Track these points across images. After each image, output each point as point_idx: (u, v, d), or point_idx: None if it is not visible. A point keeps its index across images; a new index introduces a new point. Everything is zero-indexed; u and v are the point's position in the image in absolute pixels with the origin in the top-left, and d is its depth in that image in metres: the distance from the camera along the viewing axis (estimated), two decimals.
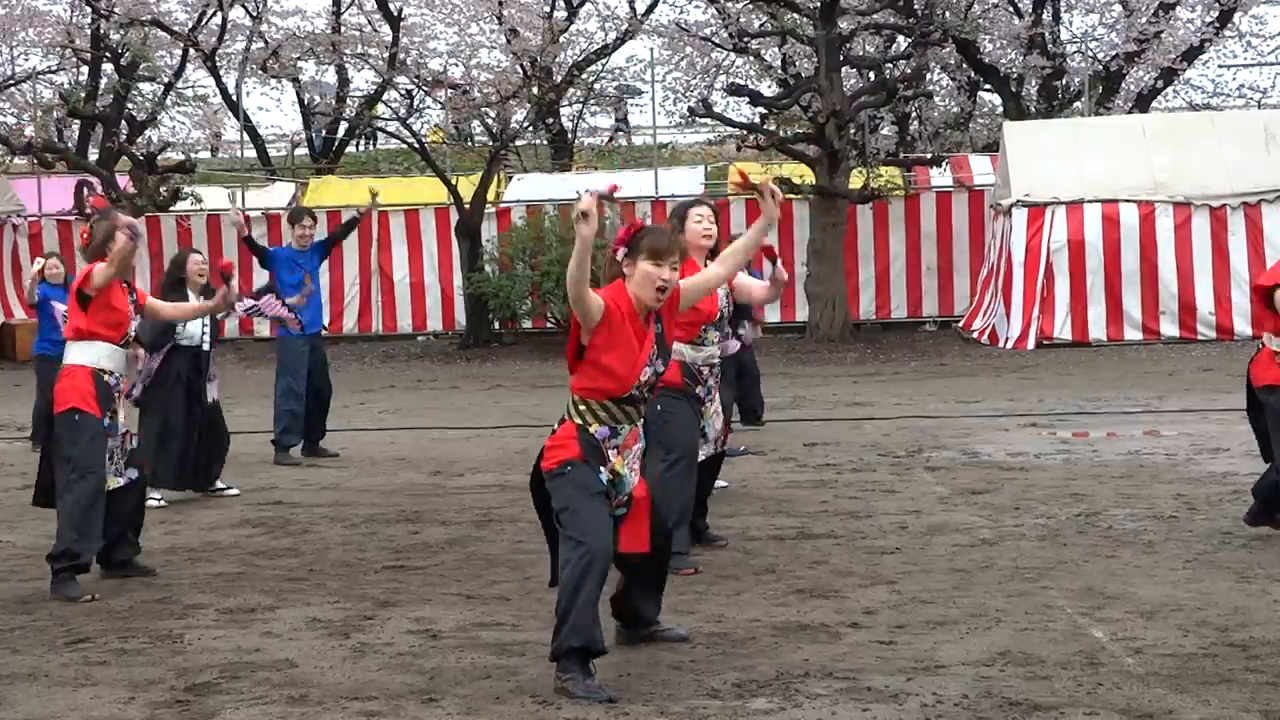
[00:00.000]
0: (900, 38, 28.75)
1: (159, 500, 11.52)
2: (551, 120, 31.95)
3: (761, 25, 27.87)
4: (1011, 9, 30.42)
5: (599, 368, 6.58)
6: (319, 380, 14.06)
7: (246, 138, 34.65)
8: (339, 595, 8.38)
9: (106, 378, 8.83)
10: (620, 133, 38.61)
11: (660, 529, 6.91)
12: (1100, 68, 30.14)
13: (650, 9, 32.10)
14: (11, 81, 30.77)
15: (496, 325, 26.43)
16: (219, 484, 12.05)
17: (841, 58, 25.74)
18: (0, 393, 21.16)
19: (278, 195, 30.49)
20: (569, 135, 34.82)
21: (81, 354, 8.80)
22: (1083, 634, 7.16)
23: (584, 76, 31.39)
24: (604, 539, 6.49)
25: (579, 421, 6.60)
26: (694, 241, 8.79)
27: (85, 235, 9.09)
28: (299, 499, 11.83)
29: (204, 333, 11.86)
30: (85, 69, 29.26)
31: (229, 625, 7.75)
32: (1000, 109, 31.51)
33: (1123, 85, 30.43)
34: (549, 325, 26.29)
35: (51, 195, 27.91)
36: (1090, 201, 23.31)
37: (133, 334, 9.02)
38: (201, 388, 11.91)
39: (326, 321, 14.31)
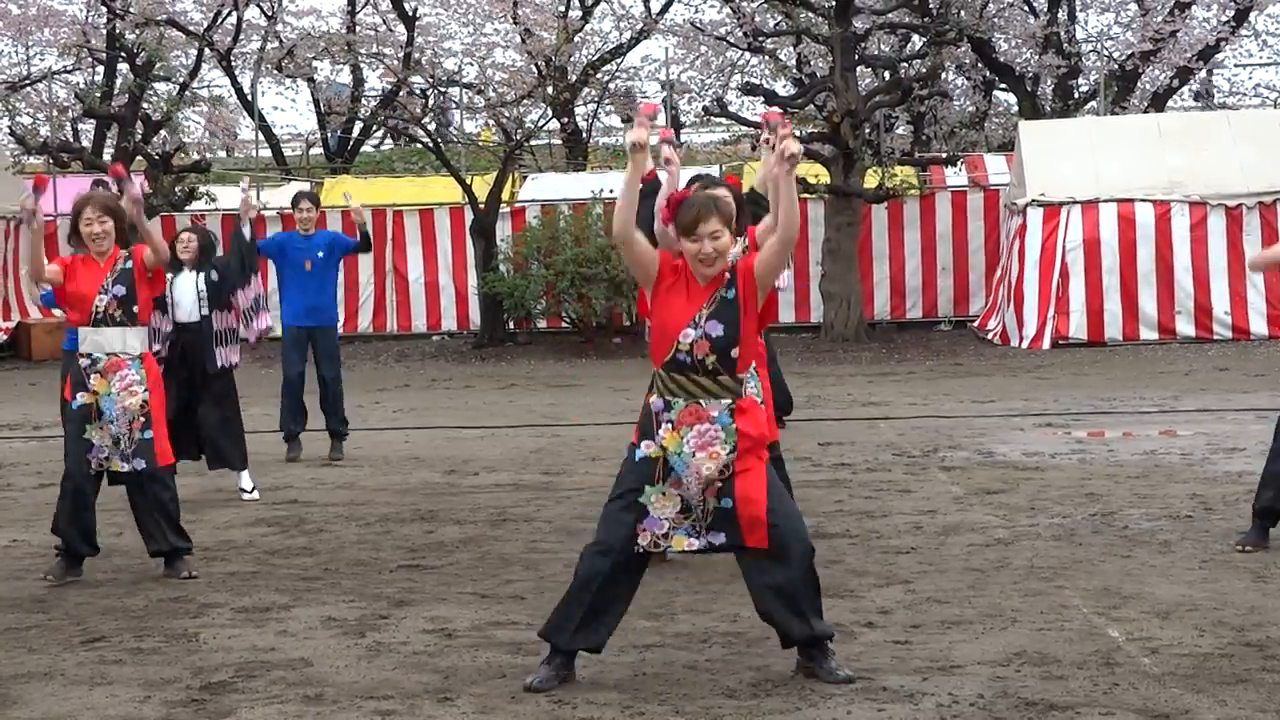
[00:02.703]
0: (915, 37, 28.68)
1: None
2: (566, 120, 31.93)
3: (776, 25, 27.84)
4: (1027, 8, 30.36)
5: (652, 328, 6.54)
6: (324, 368, 14.03)
7: (261, 137, 34.68)
8: (354, 594, 8.39)
9: (81, 360, 8.91)
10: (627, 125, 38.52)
11: (788, 529, 6.51)
12: (1116, 67, 30.08)
13: (665, 8, 32.08)
14: (27, 81, 30.79)
15: (511, 325, 26.43)
16: (242, 484, 11.97)
17: (856, 57, 25.71)
18: (16, 392, 21.20)
19: (292, 195, 30.48)
20: (583, 135, 34.81)
21: (70, 341, 9.02)
22: (1099, 634, 7.15)
23: (599, 76, 31.37)
24: (613, 539, 6.46)
25: (649, 391, 6.57)
26: None
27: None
28: (314, 498, 11.84)
29: (200, 302, 11.81)
30: (101, 69, 29.27)
31: (244, 624, 7.76)
32: (1015, 108, 31.44)
33: (1139, 84, 30.36)
34: (564, 325, 26.29)
35: (67, 195, 27.86)
36: (1106, 201, 23.26)
37: (102, 307, 8.84)
38: (200, 359, 11.76)
39: (340, 319, 14.17)
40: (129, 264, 8.93)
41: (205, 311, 11.79)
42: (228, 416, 11.91)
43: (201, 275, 11.79)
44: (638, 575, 6.63)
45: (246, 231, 12.34)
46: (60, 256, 9.02)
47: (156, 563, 9.12)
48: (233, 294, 12.01)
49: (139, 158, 27.57)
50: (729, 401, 6.47)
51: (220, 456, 11.92)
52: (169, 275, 11.64)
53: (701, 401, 6.45)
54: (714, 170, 29.53)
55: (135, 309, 8.92)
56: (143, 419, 8.91)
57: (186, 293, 11.78)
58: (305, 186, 30.50)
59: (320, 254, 13.93)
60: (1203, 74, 31.59)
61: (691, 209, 6.46)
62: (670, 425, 6.47)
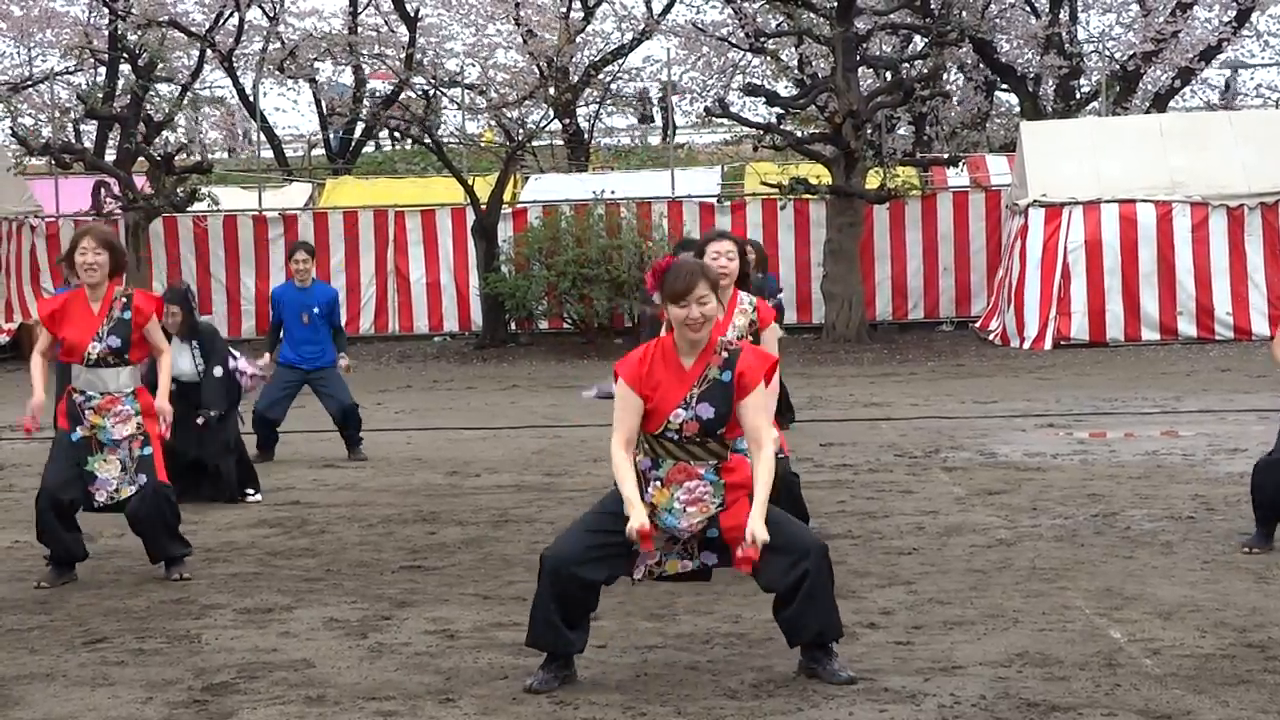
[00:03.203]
0: (917, 37, 28.71)
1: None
2: (568, 120, 31.94)
3: (778, 25, 27.85)
4: (1028, 9, 30.36)
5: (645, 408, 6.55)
6: (340, 398, 14.01)
7: (263, 138, 34.68)
8: (356, 595, 8.39)
9: (76, 396, 9.01)
10: (646, 126, 38.52)
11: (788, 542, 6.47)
12: (1117, 67, 30.07)
13: (667, 9, 32.11)
14: (29, 82, 30.81)
15: (513, 326, 26.43)
16: (247, 491, 12.00)
17: (858, 57, 25.71)
18: (18, 393, 21.16)
19: (294, 195, 30.52)
20: (585, 135, 34.82)
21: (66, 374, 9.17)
22: (1100, 635, 7.15)
23: (600, 77, 31.39)
24: (566, 551, 6.47)
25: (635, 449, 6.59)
26: None
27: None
28: (316, 499, 11.85)
29: (197, 366, 11.84)
30: (103, 70, 29.30)
31: (246, 625, 7.76)
32: (1017, 109, 31.44)
33: (1140, 85, 30.36)
34: (566, 326, 26.28)
35: (69, 196, 27.95)
36: (1107, 202, 23.26)
37: (94, 354, 8.88)
38: (191, 413, 11.68)
39: (338, 361, 14.12)
40: (127, 314, 8.95)
41: (203, 367, 11.83)
42: (228, 462, 11.96)
43: (196, 343, 11.80)
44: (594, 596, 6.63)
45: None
46: (44, 298, 9.05)
47: (155, 566, 9.12)
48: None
49: (141, 158, 27.60)
50: (716, 462, 6.55)
51: (220, 494, 11.94)
52: None
53: (691, 462, 6.53)
54: (716, 172, 29.58)
55: (128, 355, 9.01)
56: (141, 437, 8.99)
57: (183, 359, 11.71)
58: (307, 188, 30.55)
59: (316, 310, 13.93)
60: (1225, 74, 31.61)
61: (680, 278, 6.46)
62: (659, 483, 6.53)
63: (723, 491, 6.51)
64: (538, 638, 6.54)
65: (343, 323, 14.52)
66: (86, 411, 8.94)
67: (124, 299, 8.96)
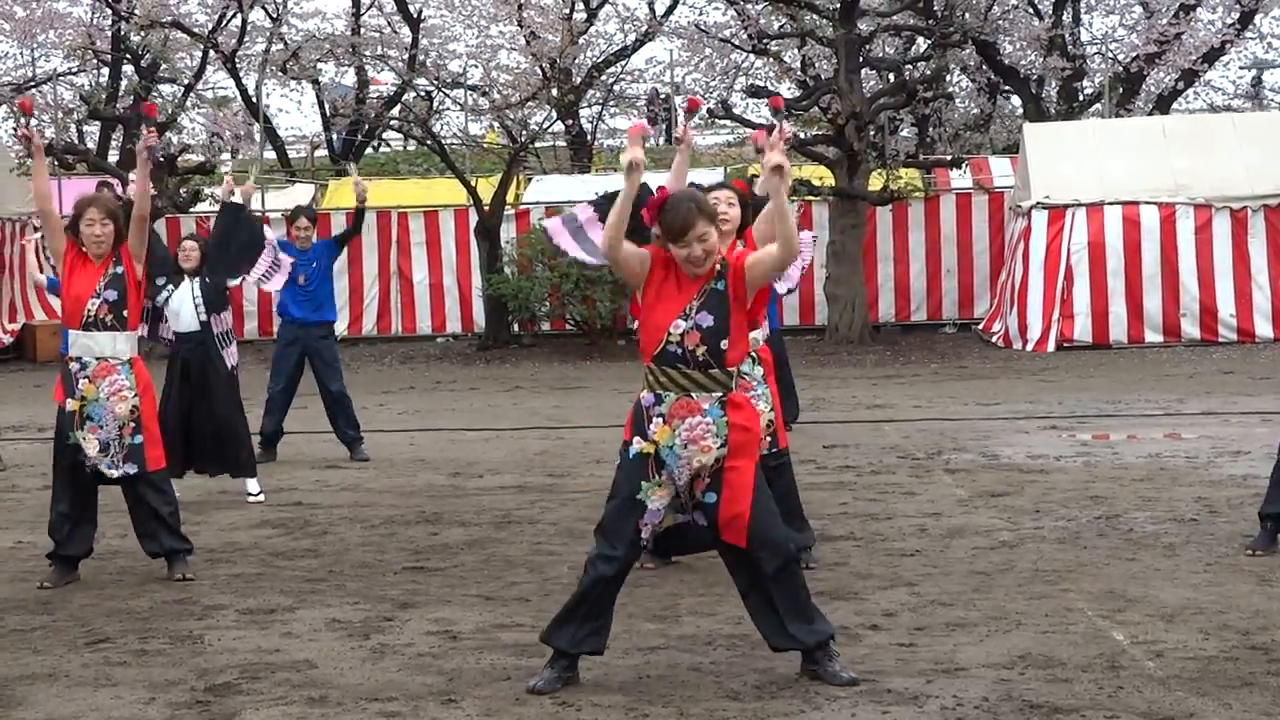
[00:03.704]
0: (920, 39, 28.70)
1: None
2: (571, 122, 31.93)
3: (781, 27, 27.83)
4: (1031, 10, 30.35)
5: (642, 323, 6.56)
6: (328, 379, 14.00)
7: (266, 139, 34.69)
8: (359, 596, 8.39)
9: (71, 364, 8.97)
10: (656, 128, 38.46)
11: (765, 533, 6.50)
12: (1120, 69, 30.06)
13: (669, 11, 32.08)
14: (33, 83, 30.83)
15: (515, 327, 26.43)
16: (249, 488, 11.96)
17: (861, 59, 25.70)
18: (21, 393, 21.22)
19: (298, 196, 30.53)
20: (588, 137, 34.82)
21: (66, 345, 9.11)
22: (1103, 637, 7.14)
23: (603, 78, 31.38)
24: (621, 545, 6.48)
25: (641, 387, 6.57)
26: None
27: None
28: (318, 500, 11.85)
29: (197, 309, 11.82)
30: (106, 71, 29.33)
31: (249, 626, 7.76)
32: (1020, 111, 31.43)
33: (1143, 87, 30.35)
34: (568, 327, 26.29)
35: (72, 197, 27.85)
36: (1111, 203, 23.25)
37: (93, 311, 8.87)
38: (203, 369, 11.78)
39: (341, 323, 14.13)
40: (120, 268, 8.95)
41: (204, 317, 11.79)
42: (234, 422, 11.90)
43: (196, 281, 11.79)
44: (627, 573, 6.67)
45: (237, 198, 12.09)
46: (70, 240, 9.00)
47: (161, 564, 9.12)
48: (229, 284, 11.99)
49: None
50: (720, 395, 6.47)
51: (227, 462, 11.92)
52: (170, 287, 11.74)
53: (692, 394, 6.45)
54: (719, 173, 29.55)
55: (125, 314, 8.93)
56: (132, 424, 8.92)
57: (184, 302, 11.79)
58: (310, 188, 30.57)
59: (314, 265, 13.90)
60: (1245, 75, 31.61)
61: (678, 215, 6.38)
62: (661, 419, 6.47)
63: (726, 430, 6.45)
64: (550, 635, 6.57)
65: (339, 239, 14.46)
66: (81, 380, 8.89)
67: (116, 256, 8.97)
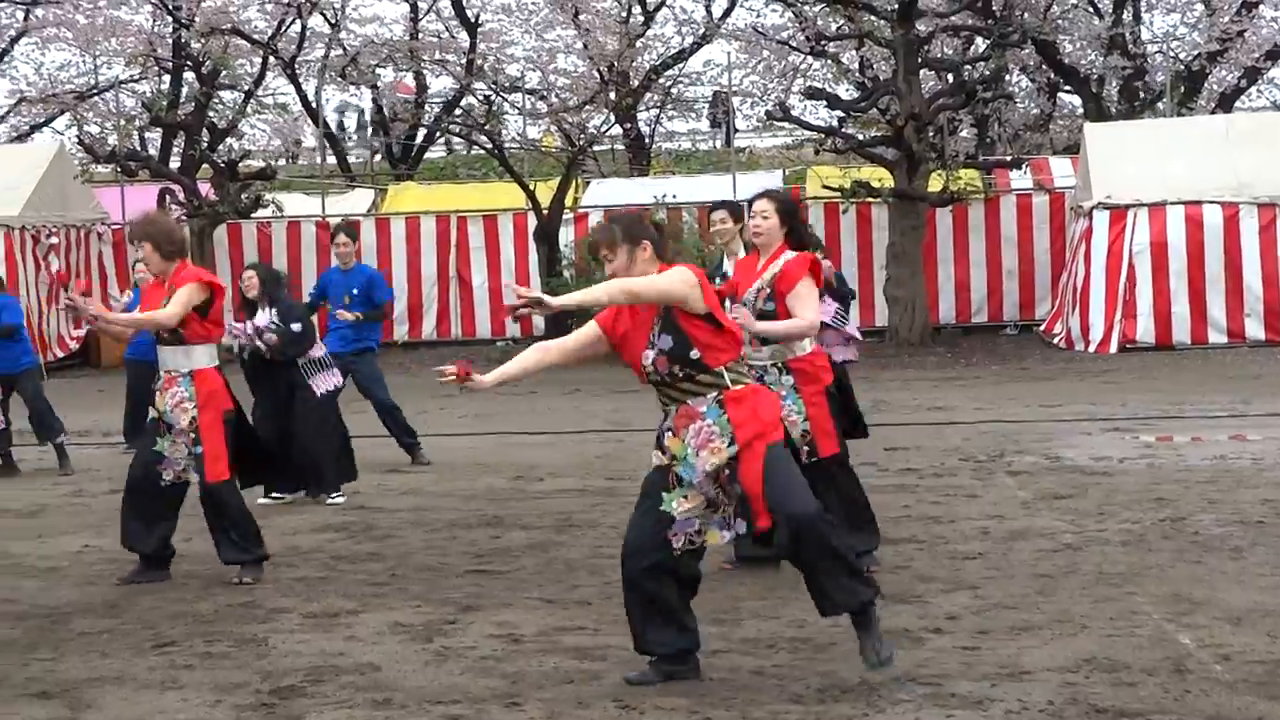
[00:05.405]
0: (979, 39, 28.58)
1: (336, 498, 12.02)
2: (629, 125, 31.96)
3: (839, 28, 27.78)
4: (1091, 9, 30.20)
5: (626, 360, 6.84)
6: (374, 393, 14.01)
7: (326, 144, 34.89)
8: (421, 599, 8.42)
9: (158, 380, 9.27)
10: (715, 131, 38.46)
11: (782, 506, 6.48)
12: (1182, 68, 29.86)
13: (727, 13, 32.07)
14: (95, 91, 31.10)
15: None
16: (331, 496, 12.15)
17: (920, 60, 25.63)
18: (86, 399, 21.38)
19: (357, 201, 30.68)
20: (646, 140, 34.84)
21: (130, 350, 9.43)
22: (1169, 640, 7.09)
23: (661, 81, 31.40)
24: (636, 542, 6.60)
25: None
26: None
27: None
28: (381, 504, 11.90)
29: (249, 340, 12.02)
30: (167, 78, 29.52)
31: (313, 629, 7.80)
32: (1080, 110, 31.28)
33: (1205, 85, 30.14)
34: None
35: (135, 203, 28.11)
36: (1173, 203, 23.08)
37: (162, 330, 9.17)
38: (291, 389, 12.06)
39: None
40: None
41: (261, 348, 12.02)
42: (324, 440, 12.12)
43: (275, 311, 11.98)
44: (685, 572, 6.65)
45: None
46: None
47: (226, 569, 9.20)
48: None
49: (205, 165, 27.80)
50: (715, 394, 6.57)
51: (316, 480, 12.11)
52: (248, 318, 12.00)
53: (689, 401, 6.60)
54: (777, 176, 29.54)
55: (180, 330, 9.09)
56: (192, 435, 9.07)
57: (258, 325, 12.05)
58: (369, 194, 30.71)
59: (355, 291, 13.87)
60: None
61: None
62: (671, 433, 6.64)
63: (729, 427, 6.51)
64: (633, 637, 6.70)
65: (384, 300, 14.35)
66: (156, 393, 9.20)
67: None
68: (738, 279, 8.71)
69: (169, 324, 8.98)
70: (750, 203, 8.83)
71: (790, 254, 8.53)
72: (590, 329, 6.88)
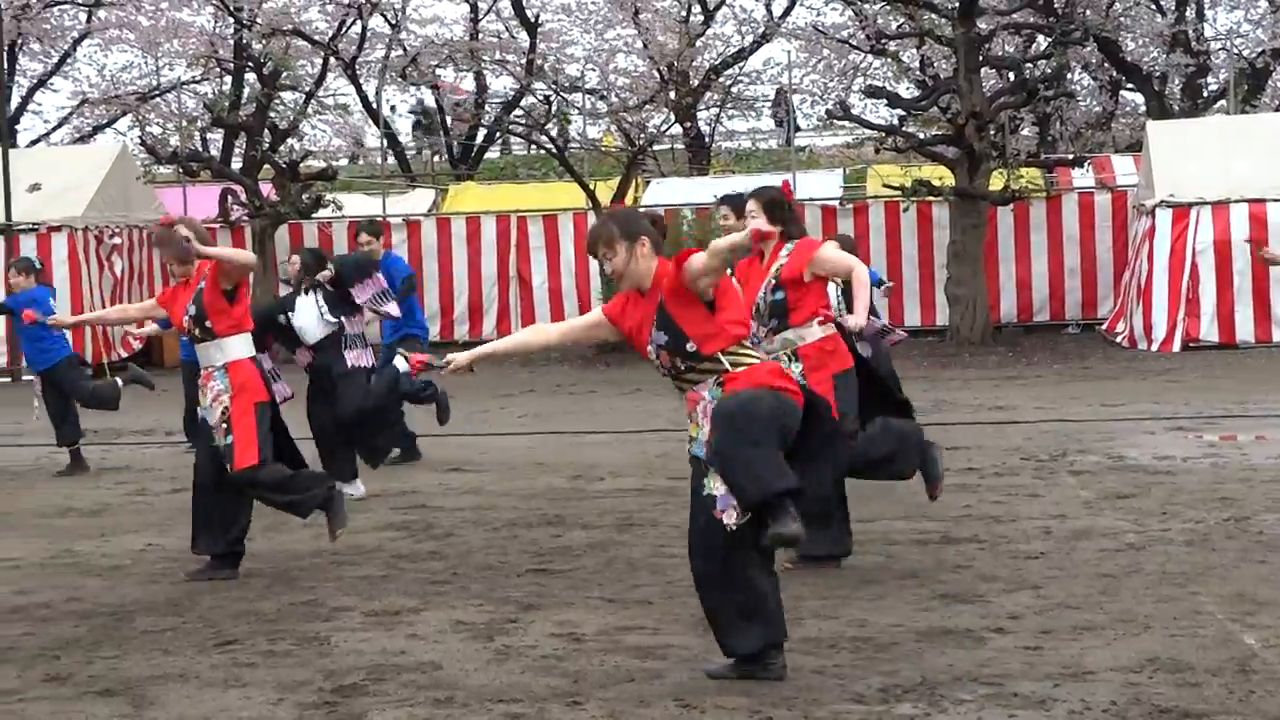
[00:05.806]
0: (1040, 37, 28.45)
1: (354, 492, 11.97)
2: (689, 124, 31.95)
3: (899, 27, 27.72)
4: (1154, 6, 30.03)
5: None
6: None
7: (386, 144, 35.05)
8: (482, 598, 8.44)
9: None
10: (778, 130, 38.42)
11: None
12: (1245, 65, 29.63)
13: (787, 12, 32.06)
14: (157, 92, 31.36)
15: None
16: (350, 489, 12.12)
17: (980, 58, 25.52)
18: (148, 399, 21.50)
19: (417, 202, 30.79)
20: (706, 139, 34.83)
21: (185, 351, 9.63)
22: (1234, 640, 7.04)
23: (721, 80, 31.39)
24: (694, 538, 6.69)
25: None
26: None
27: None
28: (441, 503, 11.93)
29: (322, 318, 12.10)
30: (228, 79, 29.73)
31: (374, 627, 7.83)
32: (1143, 108, 31.10)
33: (1269, 82, 29.90)
34: None
35: (196, 204, 28.36)
36: (1236, 201, 22.89)
37: (187, 328, 9.30)
38: (331, 374, 12.16)
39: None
40: (201, 284, 9.34)
41: (332, 318, 12.06)
42: (363, 418, 12.19)
43: (318, 293, 12.07)
44: (754, 552, 6.60)
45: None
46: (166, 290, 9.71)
47: (288, 567, 9.27)
48: (351, 290, 12.21)
49: (266, 166, 27.98)
50: (715, 378, 6.69)
51: (373, 449, 12.28)
52: (289, 313, 12.05)
53: (694, 387, 6.76)
54: (837, 175, 29.47)
55: (209, 324, 9.23)
56: (224, 425, 9.17)
57: (308, 315, 12.09)
58: (430, 194, 30.80)
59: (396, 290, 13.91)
60: None
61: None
62: (689, 419, 6.81)
63: None
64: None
65: (403, 277, 14.42)
66: (199, 390, 9.41)
67: (201, 273, 9.38)
68: (740, 278, 8.70)
69: (251, 259, 9.48)
70: (720, 205, 9.07)
71: (788, 245, 8.84)
72: (594, 316, 7.10)
